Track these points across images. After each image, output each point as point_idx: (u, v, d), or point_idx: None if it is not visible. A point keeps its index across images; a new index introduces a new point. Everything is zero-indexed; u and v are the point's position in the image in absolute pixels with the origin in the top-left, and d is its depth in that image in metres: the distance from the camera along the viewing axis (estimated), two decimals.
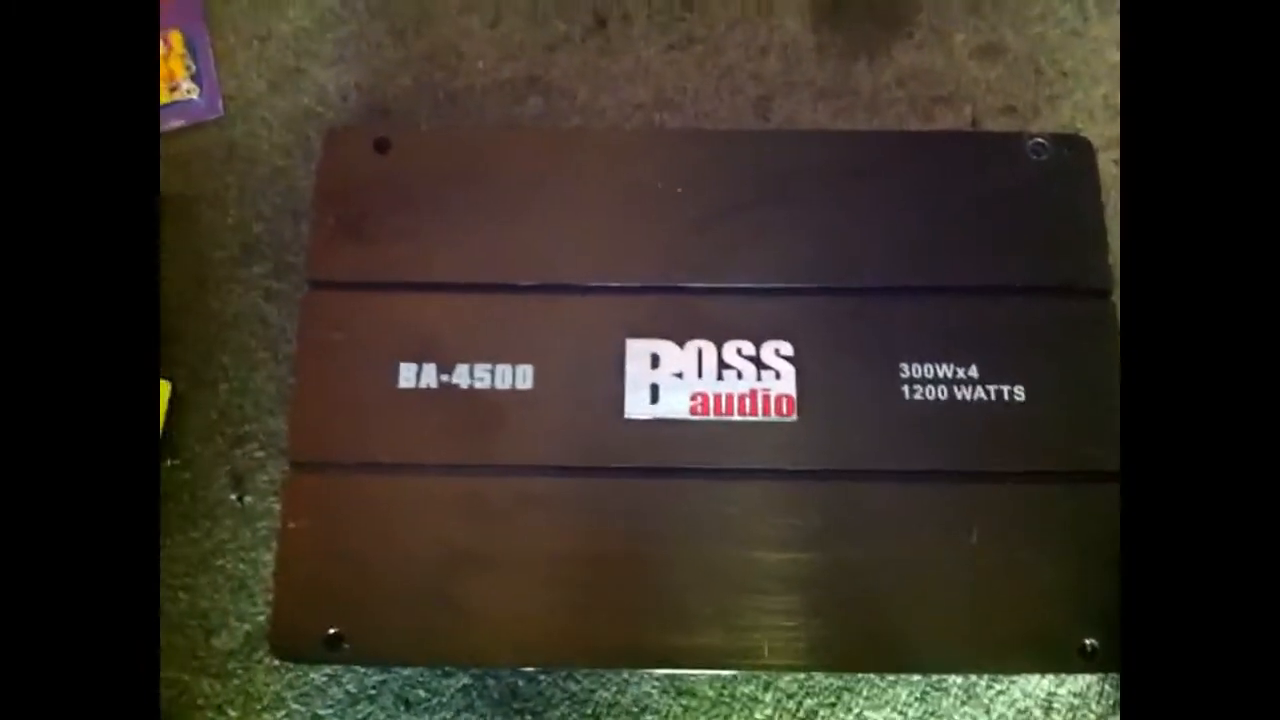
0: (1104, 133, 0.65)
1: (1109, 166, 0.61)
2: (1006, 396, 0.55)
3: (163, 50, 0.72)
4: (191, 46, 0.72)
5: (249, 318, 0.65)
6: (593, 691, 0.58)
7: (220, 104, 0.71)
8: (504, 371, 0.56)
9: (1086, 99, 0.67)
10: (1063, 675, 0.57)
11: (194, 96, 0.71)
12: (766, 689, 0.57)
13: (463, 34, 0.71)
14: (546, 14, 0.71)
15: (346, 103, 0.70)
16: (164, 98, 0.71)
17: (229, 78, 0.71)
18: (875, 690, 0.57)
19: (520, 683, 0.58)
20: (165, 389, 0.62)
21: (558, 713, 0.57)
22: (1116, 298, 0.56)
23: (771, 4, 0.70)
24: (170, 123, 0.70)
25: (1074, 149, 0.58)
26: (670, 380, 0.55)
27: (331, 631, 0.52)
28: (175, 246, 0.67)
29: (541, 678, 0.58)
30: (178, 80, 0.71)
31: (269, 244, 0.67)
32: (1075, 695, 0.57)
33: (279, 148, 0.69)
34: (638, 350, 0.56)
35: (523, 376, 0.56)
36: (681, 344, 0.56)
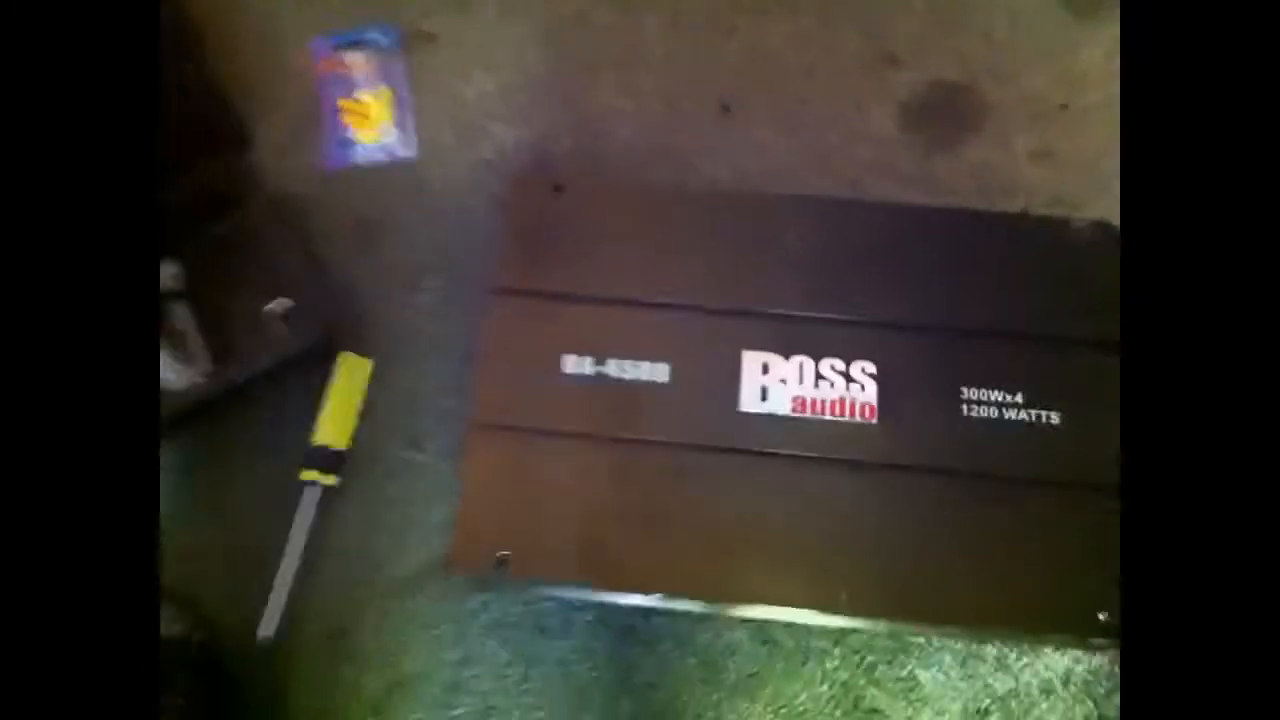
0: None
1: None
2: (1044, 420, 0.69)
3: (374, 101, 0.90)
4: (397, 100, 0.90)
5: (430, 316, 0.81)
6: (693, 635, 0.71)
7: (415, 147, 0.89)
8: (646, 367, 0.71)
9: None
10: (1079, 654, 0.70)
11: (394, 140, 0.89)
12: (836, 644, 0.71)
13: (612, 110, 0.89)
14: (680, 99, 0.89)
15: (515, 155, 0.88)
16: (372, 139, 0.89)
17: (424, 128, 0.89)
18: (925, 654, 0.70)
19: (636, 621, 0.71)
20: (368, 365, 0.79)
21: (664, 647, 0.71)
22: None
23: (867, 104, 0.88)
24: (373, 159, 0.88)
25: (1105, 232, 0.74)
26: (777, 384, 0.70)
27: (499, 554, 0.66)
28: (376, 255, 0.83)
29: (654, 619, 0.71)
30: (383, 126, 0.89)
31: (446, 261, 0.84)
32: (1089, 672, 0.70)
33: (458, 186, 0.86)
34: (752, 359, 0.71)
35: (661, 372, 0.71)
36: (787, 357, 0.71)
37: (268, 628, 0.72)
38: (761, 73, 0.89)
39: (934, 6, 0.90)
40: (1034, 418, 0.69)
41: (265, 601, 0.72)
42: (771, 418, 0.70)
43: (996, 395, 0.70)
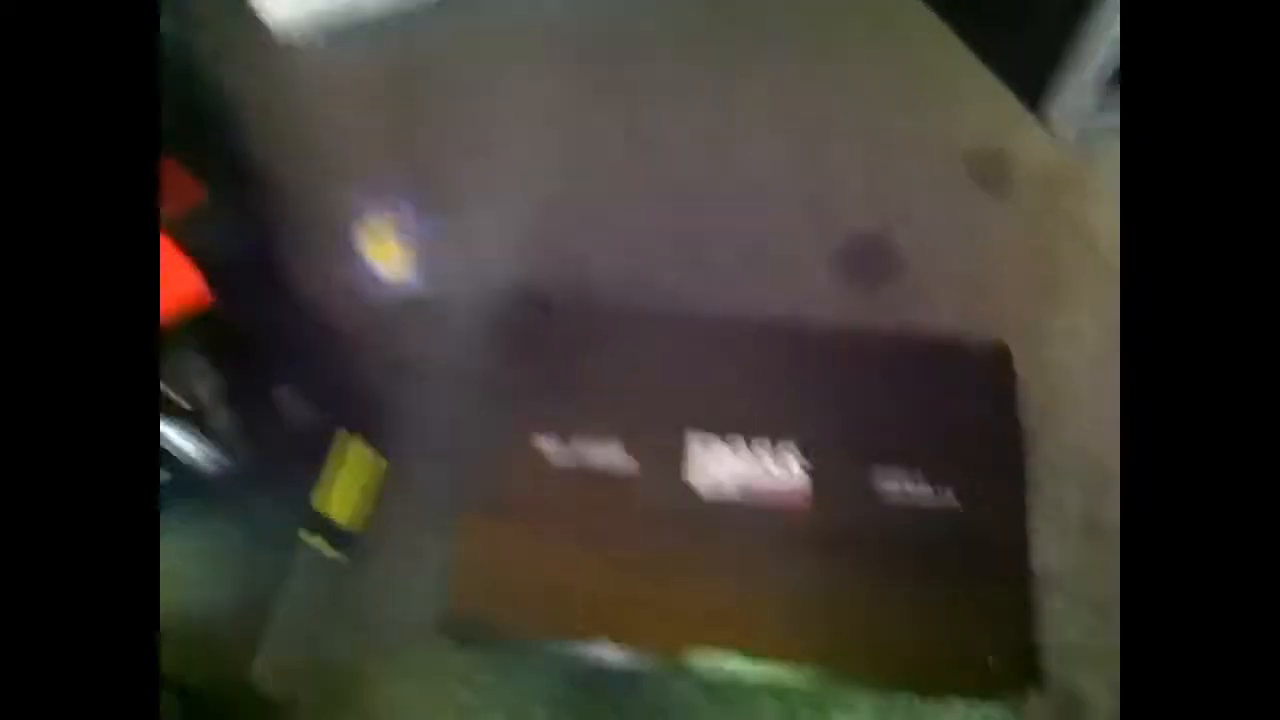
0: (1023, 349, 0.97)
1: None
2: (944, 506, 0.84)
3: (391, 247, 1.08)
4: (407, 241, 1.08)
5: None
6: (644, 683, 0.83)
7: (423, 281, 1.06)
8: (610, 454, 0.86)
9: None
10: (985, 706, 0.82)
11: (407, 278, 1.07)
12: (775, 700, 0.83)
13: (592, 245, 1.07)
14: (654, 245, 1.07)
15: (509, 287, 1.05)
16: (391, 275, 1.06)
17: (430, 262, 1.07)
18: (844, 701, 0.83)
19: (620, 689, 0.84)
20: (384, 465, 0.94)
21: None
22: (1021, 441, 0.86)
23: (800, 262, 1.06)
24: (390, 294, 1.06)
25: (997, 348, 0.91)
26: (725, 474, 0.85)
27: (488, 625, 0.80)
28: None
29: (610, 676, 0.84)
30: (397, 264, 1.07)
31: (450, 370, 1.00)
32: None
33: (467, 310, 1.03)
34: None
35: (622, 461, 0.86)
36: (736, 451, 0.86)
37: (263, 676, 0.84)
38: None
39: None
40: (940, 502, 0.84)
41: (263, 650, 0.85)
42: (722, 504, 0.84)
43: (910, 487, 0.85)
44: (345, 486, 0.92)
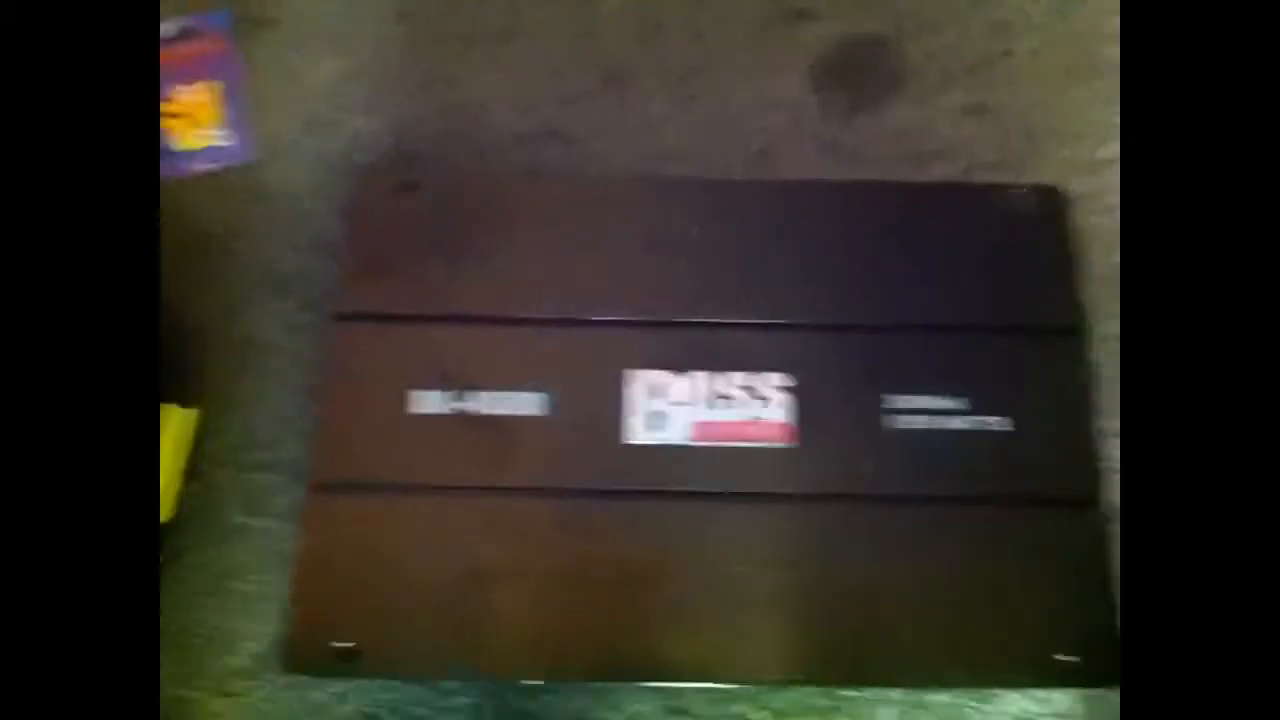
0: (1086, 186, 0.70)
1: (1086, 218, 0.66)
2: (985, 426, 0.59)
3: (199, 98, 0.78)
4: (228, 94, 0.78)
5: (274, 349, 0.70)
6: (593, 712, 0.61)
7: (253, 149, 0.77)
8: (516, 398, 0.60)
9: (1072, 155, 0.73)
10: (1042, 694, 0.60)
11: (228, 143, 0.77)
12: (760, 709, 0.60)
13: (486, 88, 0.77)
14: (563, 71, 0.77)
15: (374, 149, 0.76)
16: (198, 143, 0.77)
17: (264, 124, 0.77)
18: (862, 707, 0.60)
19: (525, 703, 0.61)
20: (194, 417, 0.67)
21: None
22: (1084, 334, 0.60)
23: (778, 65, 0.77)
24: (203, 166, 0.76)
25: (1049, 199, 0.64)
26: (672, 408, 0.60)
27: (345, 645, 0.56)
28: (205, 281, 0.72)
29: (544, 696, 0.61)
30: (212, 127, 0.77)
31: (297, 280, 0.72)
32: (1055, 715, 0.60)
33: (309, 190, 0.75)
34: (641, 379, 0.60)
35: (533, 404, 0.60)
36: (683, 374, 0.60)
37: None
38: (650, 37, 0.78)
39: None
40: (972, 424, 0.59)
41: None
42: (666, 449, 0.59)
43: (934, 402, 0.60)
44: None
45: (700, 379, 0.61)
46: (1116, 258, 0.68)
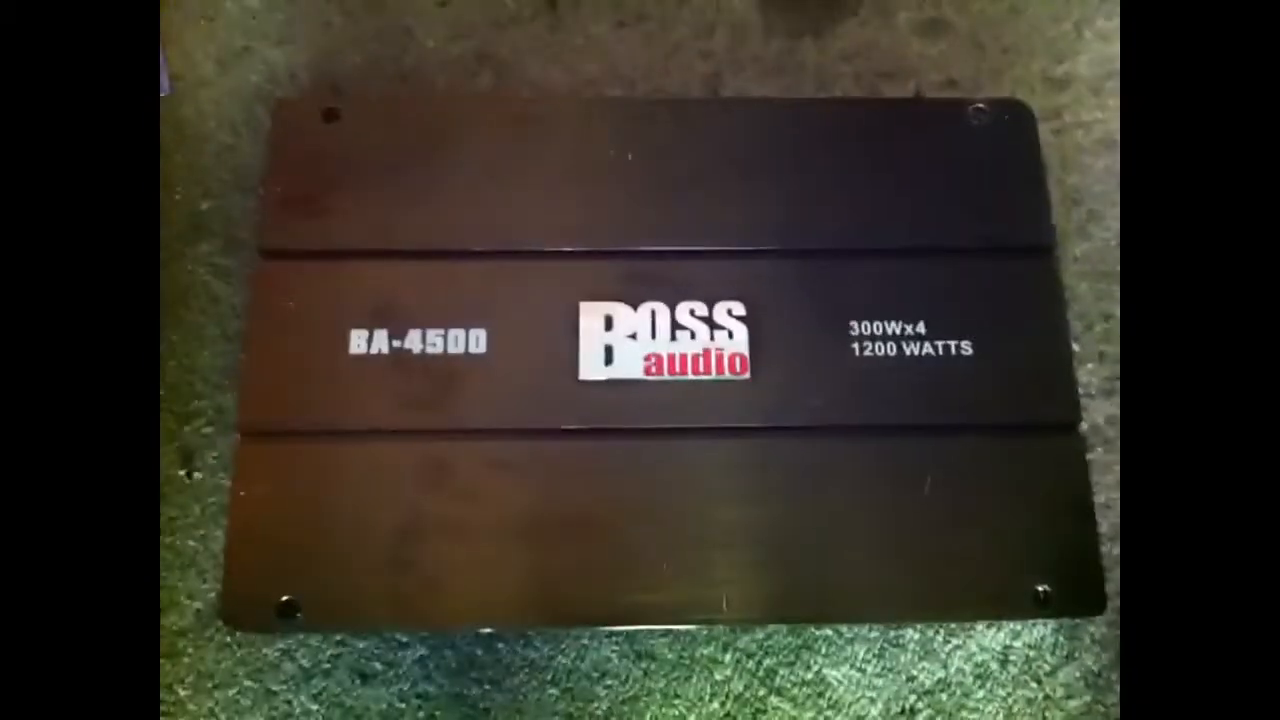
0: (1042, 104, 0.68)
1: (1046, 136, 0.64)
2: (954, 351, 0.57)
3: None
4: None
5: (198, 294, 0.66)
6: (552, 658, 0.59)
7: (167, 83, 0.72)
8: (457, 336, 0.57)
9: (1026, 73, 0.70)
10: (1017, 627, 0.59)
11: None
12: (726, 649, 0.59)
13: (412, 12, 0.73)
14: None
15: (296, 81, 0.72)
16: None
17: (177, 57, 0.72)
18: (833, 648, 0.59)
19: (478, 651, 0.59)
20: None
21: (516, 680, 0.58)
22: (1057, 254, 0.59)
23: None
24: None
25: (1014, 114, 0.62)
26: (624, 342, 0.57)
27: (285, 599, 0.53)
28: None
29: (499, 645, 0.59)
30: None
31: (217, 221, 0.68)
32: (1030, 647, 0.59)
33: (227, 125, 0.70)
34: (591, 312, 0.57)
35: (476, 341, 0.57)
36: (635, 306, 0.58)
37: None
38: None
39: None
40: (940, 350, 0.57)
41: None
42: (620, 384, 0.57)
43: (894, 327, 0.58)
44: None
45: (651, 310, 0.58)
46: (1075, 178, 0.67)
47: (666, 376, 0.57)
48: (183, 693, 0.58)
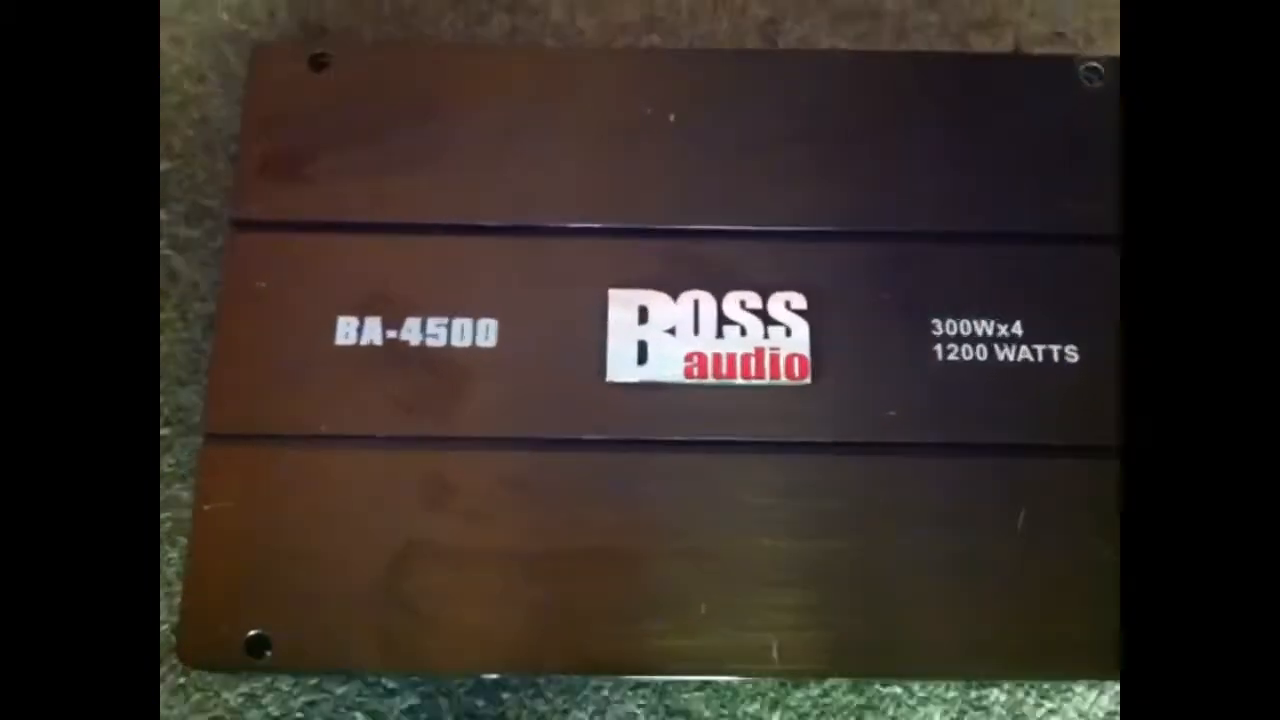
0: None
1: None
2: (1056, 358, 0.54)
3: None
4: None
5: (163, 270, 0.64)
6: (566, 712, 0.56)
7: None
8: (462, 326, 0.54)
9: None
10: (1118, 689, 0.56)
11: None
12: (774, 708, 0.56)
13: None
14: None
15: (275, 20, 0.69)
16: None
17: None
18: (903, 709, 0.56)
19: (479, 702, 0.56)
20: None
21: None
22: None
23: None
24: None
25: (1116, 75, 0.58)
26: (660, 337, 0.54)
27: (253, 634, 0.50)
28: None
29: (504, 695, 0.56)
30: None
31: (179, 184, 0.65)
32: None
33: (191, 72, 0.67)
34: (622, 302, 0.55)
35: (485, 333, 0.54)
36: (674, 295, 0.54)
37: None
38: None
39: None
40: (1040, 356, 0.54)
41: None
42: (655, 388, 0.53)
43: (985, 327, 0.55)
44: None
45: (694, 300, 0.54)
46: None
47: (710, 380, 0.53)
48: None
